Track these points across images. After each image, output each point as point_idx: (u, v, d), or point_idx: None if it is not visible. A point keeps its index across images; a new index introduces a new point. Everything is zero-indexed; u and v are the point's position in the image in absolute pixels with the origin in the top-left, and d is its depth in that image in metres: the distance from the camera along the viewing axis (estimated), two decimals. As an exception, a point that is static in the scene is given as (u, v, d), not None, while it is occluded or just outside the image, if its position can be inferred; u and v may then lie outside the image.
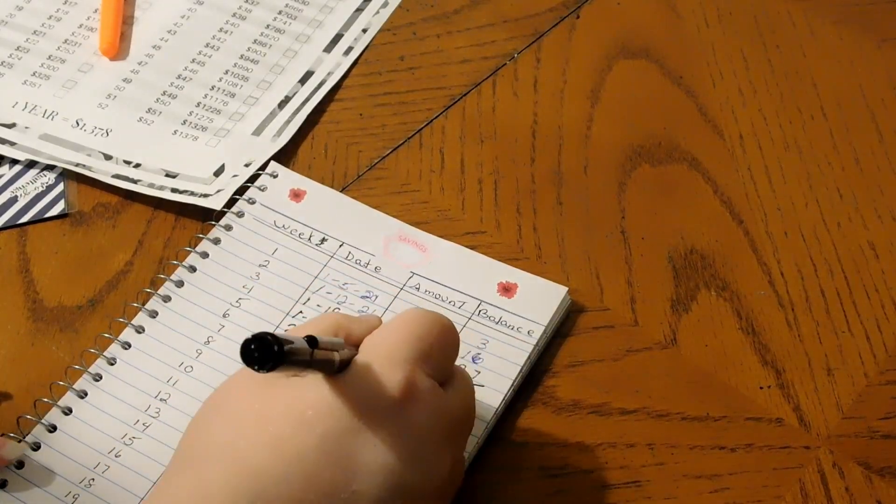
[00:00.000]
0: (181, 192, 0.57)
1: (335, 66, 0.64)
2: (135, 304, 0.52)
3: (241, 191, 0.57)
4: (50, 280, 0.54)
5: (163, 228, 0.56)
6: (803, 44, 0.64)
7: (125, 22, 0.66)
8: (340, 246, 0.54)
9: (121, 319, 0.52)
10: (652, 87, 0.62)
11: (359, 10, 0.67)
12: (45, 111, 0.61)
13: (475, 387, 0.48)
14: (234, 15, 0.66)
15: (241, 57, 0.64)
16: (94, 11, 0.66)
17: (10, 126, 0.60)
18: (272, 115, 0.61)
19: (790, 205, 0.57)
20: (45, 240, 0.56)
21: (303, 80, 0.63)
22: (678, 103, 0.61)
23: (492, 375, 0.49)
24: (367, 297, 0.52)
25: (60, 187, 0.58)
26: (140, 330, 0.51)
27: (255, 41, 0.65)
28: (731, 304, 0.53)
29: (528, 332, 0.51)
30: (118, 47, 0.64)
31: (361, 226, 0.55)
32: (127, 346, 0.51)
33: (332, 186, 0.58)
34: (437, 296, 0.52)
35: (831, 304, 0.52)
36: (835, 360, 0.51)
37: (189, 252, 0.54)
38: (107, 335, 0.51)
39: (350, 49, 0.64)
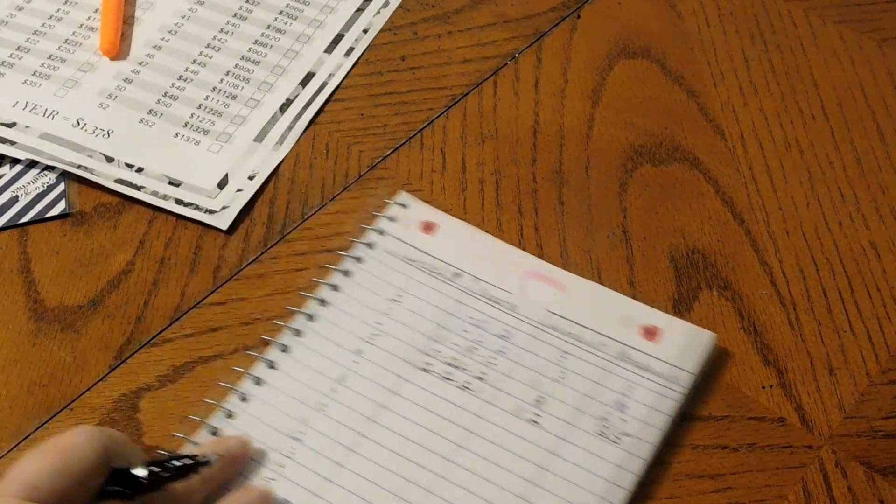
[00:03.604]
0: (185, 205, 0.57)
1: (336, 67, 0.64)
2: (265, 338, 0.51)
3: (369, 220, 0.55)
4: (51, 280, 0.54)
5: (164, 229, 0.56)
6: (804, 44, 0.64)
7: (126, 22, 0.66)
8: (475, 282, 0.52)
9: (252, 353, 0.50)
10: (653, 87, 0.62)
11: (360, 10, 0.67)
12: (46, 110, 0.61)
13: (623, 436, 0.47)
14: (234, 15, 0.66)
15: (243, 58, 0.64)
16: (94, 11, 0.66)
17: (11, 125, 0.60)
18: (274, 119, 0.61)
19: (791, 204, 0.57)
20: (46, 240, 0.56)
21: (304, 82, 0.63)
22: (679, 103, 0.61)
23: (639, 425, 0.47)
24: (505, 336, 0.51)
25: (61, 187, 0.58)
26: (272, 365, 0.50)
27: (255, 42, 0.65)
28: (733, 304, 0.53)
29: (676, 380, 0.49)
30: (119, 47, 0.64)
31: (495, 261, 0.53)
32: (259, 382, 0.49)
33: (332, 186, 0.58)
34: (577, 337, 0.50)
35: (833, 304, 0.53)
36: (837, 359, 0.51)
37: (319, 284, 0.52)
38: (237, 368, 0.50)
39: (351, 50, 0.64)
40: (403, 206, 0.56)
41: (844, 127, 0.60)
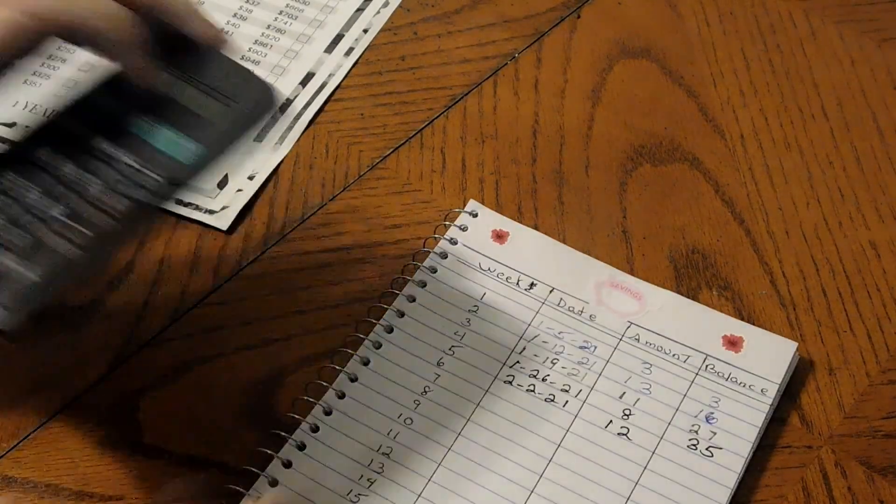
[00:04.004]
0: (185, 205, 0.57)
1: (336, 67, 0.64)
2: (347, 350, 0.50)
3: (440, 230, 0.55)
4: (51, 280, 0.54)
5: (164, 228, 0.56)
6: (804, 43, 0.64)
7: (126, 22, 0.66)
8: (551, 292, 0.52)
9: (332, 366, 0.50)
10: (653, 87, 0.62)
11: (359, 10, 0.67)
12: (46, 111, 0.61)
13: (714, 450, 0.47)
14: (234, 15, 0.66)
15: (242, 58, 0.64)
16: (94, 11, 0.66)
17: (11, 125, 0.60)
18: (273, 119, 0.61)
19: (791, 204, 0.57)
20: (46, 240, 0.56)
21: (304, 83, 0.63)
22: (679, 103, 0.61)
23: (729, 437, 0.47)
24: (585, 347, 0.50)
25: (61, 187, 0.58)
26: (353, 378, 0.49)
27: (256, 41, 0.65)
28: (733, 304, 0.52)
29: (762, 391, 0.48)
30: (119, 47, 0.64)
31: (570, 270, 0.53)
32: (342, 395, 0.49)
33: (333, 186, 0.58)
34: (660, 348, 0.50)
35: (833, 304, 0.53)
36: (836, 359, 0.51)
37: (395, 295, 0.52)
38: (321, 381, 0.49)
39: (351, 50, 0.64)
40: (473, 214, 0.55)
41: (844, 127, 0.60)
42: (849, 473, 0.47)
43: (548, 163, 0.59)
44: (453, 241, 0.54)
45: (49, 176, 0.41)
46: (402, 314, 0.51)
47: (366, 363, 0.50)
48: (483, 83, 0.63)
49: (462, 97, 0.62)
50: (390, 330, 0.51)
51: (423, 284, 0.52)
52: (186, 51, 0.44)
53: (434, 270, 0.53)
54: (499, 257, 0.53)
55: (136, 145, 0.42)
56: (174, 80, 0.44)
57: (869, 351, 0.51)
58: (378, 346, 0.50)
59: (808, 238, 0.55)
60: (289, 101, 0.62)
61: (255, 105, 0.44)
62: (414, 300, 0.52)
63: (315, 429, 0.48)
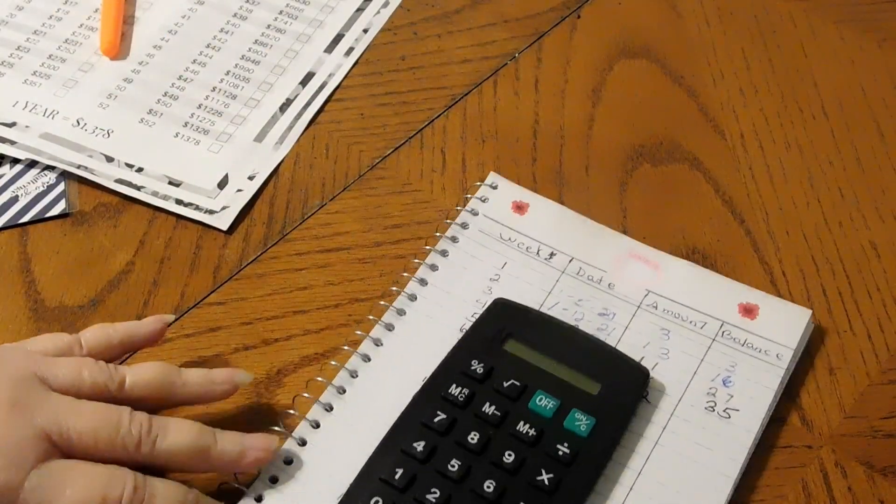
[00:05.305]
0: (186, 205, 0.57)
1: (336, 67, 0.64)
2: (371, 318, 0.51)
3: (462, 201, 0.55)
4: (51, 280, 0.54)
5: (164, 228, 0.56)
6: (804, 43, 0.64)
7: (126, 21, 0.66)
8: (570, 261, 0.53)
9: (358, 333, 0.50)
10: (653, 87, 0.62)
11: (359, 9, 0.67)
12: (46, 110, 0.61)
13: (732, 412, 0.48)
14: (234, 15, 0.66)
15: (242, 57, 0.64)
16: (94, 11, 0.66)
17: (11, 125, 0.60)
18: (273, 119, 0.61)
19: (791, 204, 0.57)
20: (46, 239, 0.56)
21: (304, 82, 0.63)
22: (679, 103, 0.61)
23: (745, 399, 0.48)
24: (605, 314, 0.51)
25: (61, 187, 0.58)
26: (378, 343, 0.50)
27: (255, 41, 0.65)
28: (733, 304, 0.53)
29: (777, 356, 0.49)
30: (119, 47, 0.64)
31: (589, 241, 0.54)
32: (367, 358, 0.49)
33: (333, 186, 0.58)
34: (677, 315, 0.51)
35: (833, 304, 0.53)
36: (837, 359, 0.51)
37: (418, 265, 0.53)
38: (345, 347, 0.50)
39: (351, 49, 0.64)
40: (493, 186, 0.56)
41: (844, 127, 0.60)
42: (849, 473, 0.47)
43: (548, 163, 0.59)
44: (474, 213, 0.55)
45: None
46: (424, 282, 0.52)
47: (390, 329, 0.50)
48: (483, 83, 0.63)
49: (462, 97, 0.62)
50: (414, 298, 0.51)
51: (444, 254, 0.53)
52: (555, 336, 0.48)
53: (455, 241, 0.54)
54: (519, 228, 0.54)
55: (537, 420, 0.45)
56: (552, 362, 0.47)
57: (869, 351, 0.51)
58: (402, 313, 0.51)
59: (808, 238, 0.55)
60: (289, 101, 0.62)
61: (629, 383, 0.47)
62: (437, 269, 0.52)
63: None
